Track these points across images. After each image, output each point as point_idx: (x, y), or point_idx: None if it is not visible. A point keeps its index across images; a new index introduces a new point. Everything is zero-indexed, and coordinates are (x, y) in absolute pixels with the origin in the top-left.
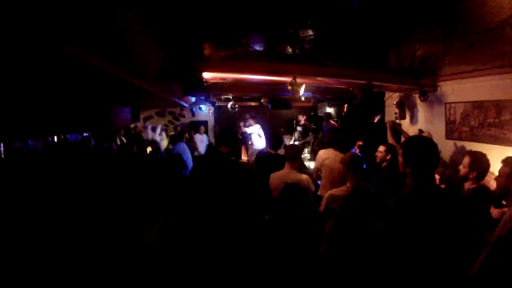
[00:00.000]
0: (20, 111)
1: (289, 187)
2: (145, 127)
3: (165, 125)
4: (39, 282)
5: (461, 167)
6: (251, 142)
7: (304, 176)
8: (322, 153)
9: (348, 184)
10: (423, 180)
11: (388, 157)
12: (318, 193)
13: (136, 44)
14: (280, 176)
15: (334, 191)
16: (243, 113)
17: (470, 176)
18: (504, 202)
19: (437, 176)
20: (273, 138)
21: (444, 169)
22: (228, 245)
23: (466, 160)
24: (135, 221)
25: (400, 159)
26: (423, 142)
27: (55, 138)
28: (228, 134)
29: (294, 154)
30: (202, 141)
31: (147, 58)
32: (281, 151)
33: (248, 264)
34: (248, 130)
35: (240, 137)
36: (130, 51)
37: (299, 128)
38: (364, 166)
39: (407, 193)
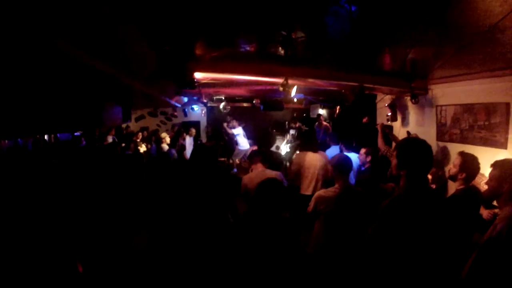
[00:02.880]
0: (9, 109)
1: (269, 181)
2: None
3: (157, 125)
4: (25, 281)
5: (451, 166)
6: (237, 143)
7: (277, 173)
8: (299, 156)
9: (336, 185)
10: (417, 182)
11: (368, 159)
12: (301, 192)
13: (128, 43)
14: (257, 176)
15: (323, 192)
16: (235, 114)
17: (459, 177)
18: (495, 204)
19: (429, 176)
20: (268, 138)
21: (437, 169)
22: (217, 244)
23: (457, 160)
24: (124, 222)
25: (394, 161)
26: (418, 144)
27: (46, 137)
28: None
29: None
30: (191, 144)
31: (139, 57)
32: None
33: (237, 264)
34: (234, 131)
35: (226, 137)
36: (122, 50)
37: (292, 132)
38: (356, 168)
39: (401, 195)
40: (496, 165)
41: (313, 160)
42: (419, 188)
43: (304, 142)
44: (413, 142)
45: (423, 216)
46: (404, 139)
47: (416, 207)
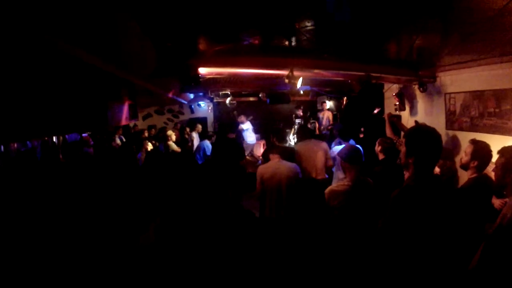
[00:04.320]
0: (16, 112)
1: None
2: None
3: (165, 123)
4: (36, 281)
5: (463, 155)
6: (244, 138)
7: (293, 164)
8: (297, 146)
9: (347, 178)
10: (425, 171)
11: (378, 149)
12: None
13: (131, 41)
14: (273, 165)
15: (334, 187)
16: (241, 109)
17: (471, 165)
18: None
19: (437, 169)
20: (278, 132)
21: (445, 161)
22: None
23: (469, 149)
24: (131, 220)
25: (402, 149)
26: (427, 132)
27: (54, 139)
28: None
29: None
30: (197, 140)
31: (142, 55)
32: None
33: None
34: (243, 126)
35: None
36: (125, 49)
37: (298, 121)
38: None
39: (409, 185)
40: (502, 152)
41: (309, 148)
42: (427, 178)
43: (299, 134)
44: (422, 129)
45: (433, 206)
46: (413, 127)
47: (426, 197)
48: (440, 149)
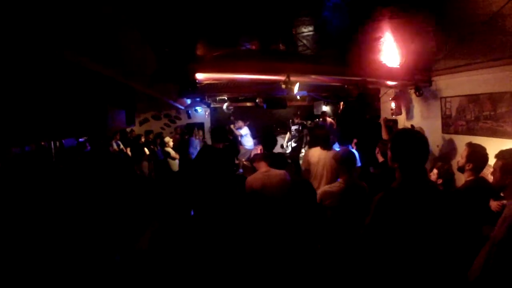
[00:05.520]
0: (14, 116)
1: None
2: None
3: (162, 128)
4: (31, 283)
5: (459, 157)
6: (242, 143)
7: (283, 171)
8: (308, 153)
9: (341, 180)
10: (412, 175)
11: (376, 151)
12: None
13: (130, 46)
14: (261, 176)
15: (327, 187)
16: (238, 114)
17: (467, 168)
18: (502, 195)
19: (435, 171)
20: (267, 138)
21: (443, 163)
22: (226, 245)
23: (465, 152)
24: (128, 224)
25: (389, 153)
26: (410, 136)
27: (51, 144)
28: (218, 131)
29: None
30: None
31: (140, 60)
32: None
33: (247, 267)
34: (242, 132)
35: (231, 137)
36: (123, 54)
37: (294, 127)
38: (359, 164)
39: (394, 188)
40: (499, 155)
41: (322, 157)
42: (414, 181)
43: (313, 138)
44: (405, 134)
45: (418, 209)
46: (396, 131)
47: (409, 200)
48: (425, 152)
